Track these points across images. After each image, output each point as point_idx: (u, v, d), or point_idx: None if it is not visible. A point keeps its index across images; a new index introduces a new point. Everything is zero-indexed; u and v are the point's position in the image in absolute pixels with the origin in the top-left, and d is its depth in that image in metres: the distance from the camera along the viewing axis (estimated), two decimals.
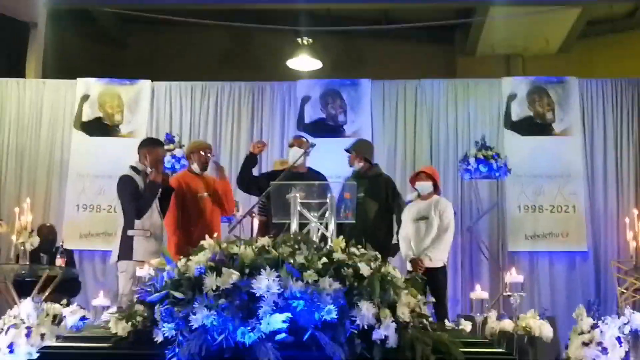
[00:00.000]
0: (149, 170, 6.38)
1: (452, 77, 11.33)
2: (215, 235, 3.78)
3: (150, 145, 6.57)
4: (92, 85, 10.21)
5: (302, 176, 6.42)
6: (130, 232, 6.24)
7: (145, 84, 10.26)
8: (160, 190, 6.45)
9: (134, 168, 6.45)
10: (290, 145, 6.99)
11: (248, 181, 6.97)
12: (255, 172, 7.15)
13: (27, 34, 10.93)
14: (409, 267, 6.92)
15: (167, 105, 10.28)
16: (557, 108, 9.87)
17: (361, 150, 7.29)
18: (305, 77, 11.08)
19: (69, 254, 7.94)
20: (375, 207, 6.98)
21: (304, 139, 7.08)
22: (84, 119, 10.10)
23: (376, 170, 7.29)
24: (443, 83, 10.28)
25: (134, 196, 6.28)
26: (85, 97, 10.14)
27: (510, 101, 9.93)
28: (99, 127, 10.10)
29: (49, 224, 8.85)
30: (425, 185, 7.10)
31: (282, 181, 5.42)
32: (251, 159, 6.95)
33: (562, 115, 9.86)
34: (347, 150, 7.29)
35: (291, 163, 6.66)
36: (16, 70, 10.84)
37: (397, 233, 7.05)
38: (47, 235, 8.34)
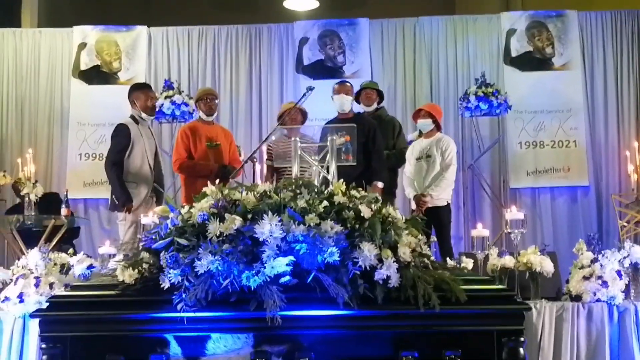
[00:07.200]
0: (144, 115, 6.59)
1: (451, 13, 11.21)
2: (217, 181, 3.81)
3: (136, 90, 6.71)
4: (88, 33, 10.12)
5: (351, 121, 6.29)
6: None
7: (141, 30, 10.17)
8: None
9: (132, 117, 6.56)
10: (337, 92, 6.96)
11: None
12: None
13: None
14: (413, 205, 6.96)
15: (165, 51, 10.22)
16: (556, 42, 9.79)
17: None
18: (302, 17, 10.96)
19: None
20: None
21: (347, 84, 7.11)
22: (82, 67, 10.04)
23: (382, 112, 7.33)
24: (442, 20, 10.19)
25: (119, 147, 6.45)
26: (82, 45, 10.06)
27: (510, 37, 9.85)
28: (98, 75, 10.04)
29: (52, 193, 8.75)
30: (425, 123, 7.10)
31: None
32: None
33: (561, 50, 9.79)
34: (369, 88, 7.27)
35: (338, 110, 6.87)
36: (12, 20, 10.74)
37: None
38: (53, 202, 8.19)
